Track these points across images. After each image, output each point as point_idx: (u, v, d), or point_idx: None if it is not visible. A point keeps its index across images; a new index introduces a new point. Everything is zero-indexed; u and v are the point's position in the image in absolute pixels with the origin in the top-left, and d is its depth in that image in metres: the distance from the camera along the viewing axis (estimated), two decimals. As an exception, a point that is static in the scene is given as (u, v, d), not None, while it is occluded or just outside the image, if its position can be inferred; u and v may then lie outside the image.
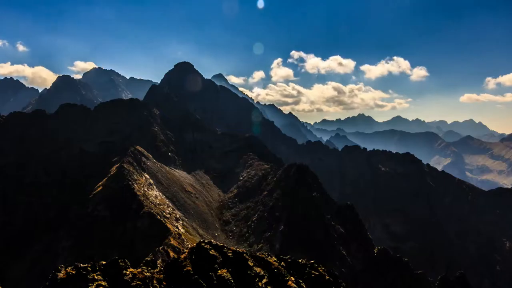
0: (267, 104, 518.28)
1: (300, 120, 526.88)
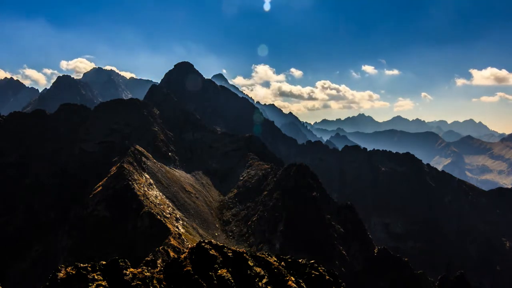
0: (267, 104, 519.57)
1: (300, 120, 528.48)
